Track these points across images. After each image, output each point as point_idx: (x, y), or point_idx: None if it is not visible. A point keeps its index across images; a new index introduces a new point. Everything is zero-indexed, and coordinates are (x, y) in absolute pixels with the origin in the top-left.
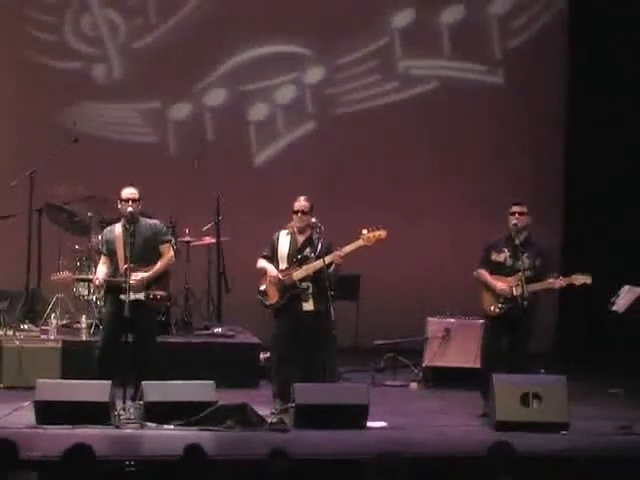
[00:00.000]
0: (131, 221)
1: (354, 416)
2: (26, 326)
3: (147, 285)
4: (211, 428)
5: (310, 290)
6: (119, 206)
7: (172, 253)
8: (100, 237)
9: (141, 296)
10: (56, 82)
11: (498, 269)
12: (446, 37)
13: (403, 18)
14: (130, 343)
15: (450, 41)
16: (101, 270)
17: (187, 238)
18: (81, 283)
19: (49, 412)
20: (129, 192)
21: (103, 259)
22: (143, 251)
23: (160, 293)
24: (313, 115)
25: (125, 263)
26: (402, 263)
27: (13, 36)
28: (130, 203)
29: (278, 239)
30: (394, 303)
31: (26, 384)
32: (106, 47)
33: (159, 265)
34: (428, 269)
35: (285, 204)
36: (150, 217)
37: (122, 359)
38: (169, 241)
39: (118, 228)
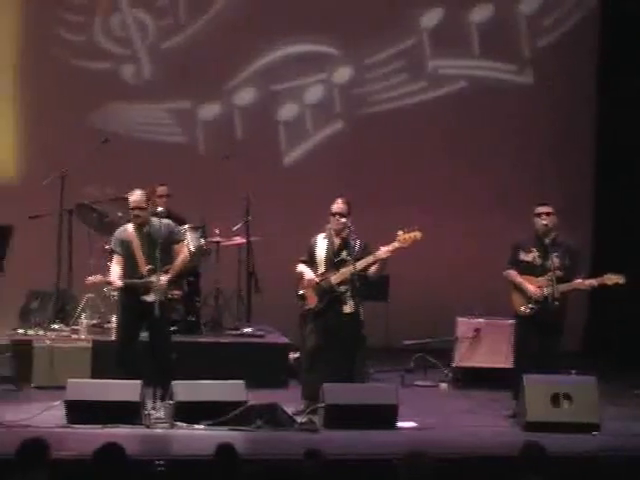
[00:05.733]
0: (141, 224)
1: (384, 416)
2: (57, 326)
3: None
4: (241, 428)
5: (348, 293)
6: (130, 211)
7: (187, 252)
8: (113, 237)
9: (162, 297)
10: (86, 82)
11: (527, 269)
12: (475, 36)
13: (432, 17)
14: (148, 343)
15: (479, 40)
16: (115, 270)
17: (217, 238)
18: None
19: (80, 412)
20: (134, 200)
21: (117, 259)
22: (160, 251)
23: (176, 292)
24: (342, 115)
25: (145, 264)
26: (431, 263)
27: (43, 37)
28: (138, 210)
29: (315, 243)
30: (423, 303)
31: (57, 384)
32: (135, 47)
33: (177, 265)
34: (457, 269)
35: (314, 203)
36: (171, 217)
37: (142, 359)
38: (183, 240)
39: (130, 228)
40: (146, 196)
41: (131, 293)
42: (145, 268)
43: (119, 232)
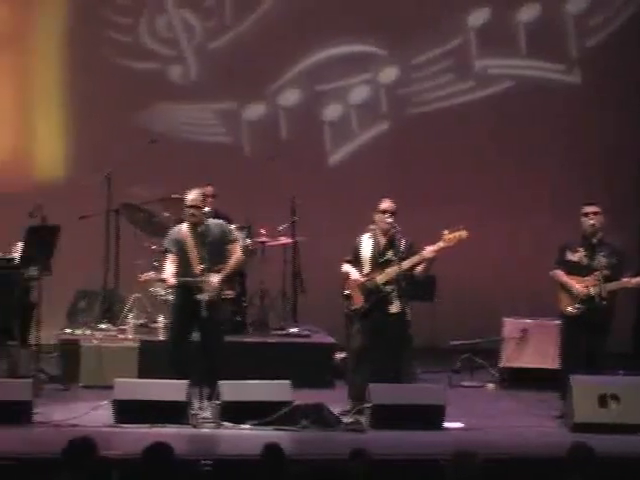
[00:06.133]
0: (196, 224)
1: (430, 417)
2: (104, 326)
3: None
4: (287, 428)
5: (394, 293)
6: (184, 210)
7: (240, 252)
8: (167, 236)
9: (214, 297)
10: (132, 83)
11: (574, 269)
12: (522, 36)
13: (479, 17)
14: (200, 343)
15: (526, 40)
16: (169, 269)
17: (262, 238)
18: (158, 283)
19: (127, 411)
20: (192, 198)
21: (171, 258)
22: (213, 251)
23: (229, 292)
24: (387, 115)
25: (199, 263)
26: (478, 263)
27: (91, 37)
28: (194, 209)
29: (360, 243)
30: (470, 303)
31: (104, 383)
32: (182, 48)
33: (230, 265)
34: (504, 269)
35: (359, 203)
36: (226, 217)
37: (193, 359)
38: (236, 240)
39: (185, 228)
40: (202, 196)
41: (184, 292)
42: (198, 267)
43: (174, 231)
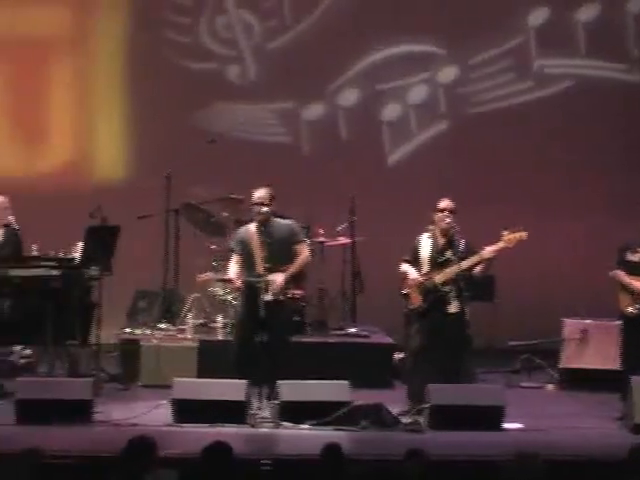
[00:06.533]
0: (264, 222)
1: (490, 417)
2: (164, 325)
3: (285, 285)
4: (346, 428)
5: (453, 293)
6: (251, 208)
7: (307, 252)
8: (234, 236)
9: (280, 296)
10: (191, 83)
11: (635, 269)
12: (582, 35)
13: (538, 16)
14: (265, 343)
15: (586, 39)
16: (233, 269)
17: (321, 238)
18: (217, 283)
19: (186, 410)
20: (258, 196)
21: (235, 258)
22: (279, 251)
23: (297, 292)
24: (446, 115)
25: (263, 263)
26: (538, 263)
27: (151, 38)
28: (260, 206)
29: (419, 243)
30: (529, 304)
31: (163, 382)
32: (241, 48)
33: (296, 265)
34: (564, 269)
35: (418, 203)
36: (283, 217)
37: (258, 359)
38: (304, 241)
39: (252, 228)
40: (270, 194)
41: (249, 292)
42: (262, 267)
43: (240, 231)
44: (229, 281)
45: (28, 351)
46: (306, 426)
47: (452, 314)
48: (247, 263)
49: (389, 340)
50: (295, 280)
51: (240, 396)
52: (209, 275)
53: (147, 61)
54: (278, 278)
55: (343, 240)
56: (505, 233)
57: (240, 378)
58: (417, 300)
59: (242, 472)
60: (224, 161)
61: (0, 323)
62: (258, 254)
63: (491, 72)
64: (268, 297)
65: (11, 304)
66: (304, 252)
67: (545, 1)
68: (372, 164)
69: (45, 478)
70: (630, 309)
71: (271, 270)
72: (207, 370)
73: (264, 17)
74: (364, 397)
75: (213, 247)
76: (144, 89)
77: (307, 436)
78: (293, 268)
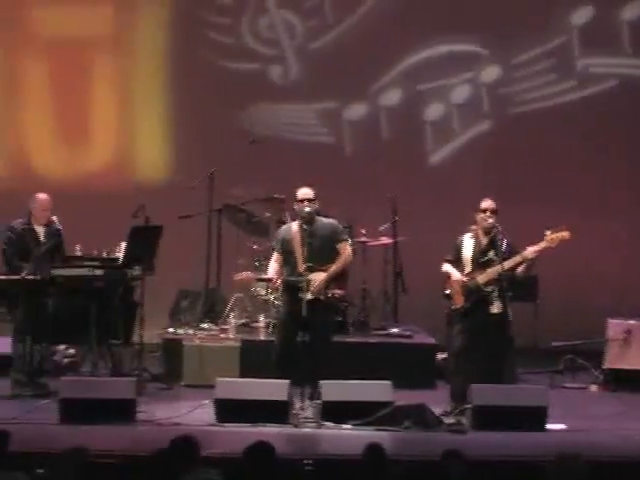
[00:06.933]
0: (308, 221)
1: (533, 418)
2: (206, 325)
3: (326, 284)
4: (388, 428)
5: (495, 293)
6: (295, 206)
7: (350, 252)
8: (276, 235)
9: (320, 295)
10: (234, 83)
11: None
12: (626, 34)
13: (581, 16)
14: (307, 342)
15: (630, 38)
16: (272, 267)
17: (363, 238)
18: (259, 283)
19: (228, 410)
20: (304, 192)
21: (276, 256)
22: (321, 250)
23: (338, 292)
24: (489, 114)
25: (303, 262)
26: (581, 263)
27: (193, 39)
28: (305, 203)
29: (462, 243)
30: (573, 304)
31: (206, 382)
32: (283, 48)
33: (337, 264)
34: (607, 269)
35: (460, 203)
36: (327, 217)
37: (299, 359)
38: (346, 240)
39: (295, 227)
40: (314, 193)
41: (290, 291)
42: (303, 266)
43: (282, 230)
44: (268, 280)
45: (72, 350)
46: (348, 426)
47: (495, 314)
48: (288, 262)
49: (432, 340)
50: (336, 280)
51: (282, 396)
52: (247, 274)
53: (189, 61)
54: (319, 278)
55: (385, 240)
56: (548, 233)
57: (280, 377)
58: (460, 300)
59: (284, 472)
60: (266, 161)
61: (44, 323)
62: (299, 253)
63: (534, 72)
64: (308, 296)
65: (55, 304)
66: (346, 252)
67: (589, 0)
68: (414, 164)
69: (89, 477)
70: None
71: (312, 269)
72: (249, 370)
73: (306, 17)
74: (406, 397)
75: (255, 247)
76: (186, 89)
77: (349, 436)
78: (334, 268)
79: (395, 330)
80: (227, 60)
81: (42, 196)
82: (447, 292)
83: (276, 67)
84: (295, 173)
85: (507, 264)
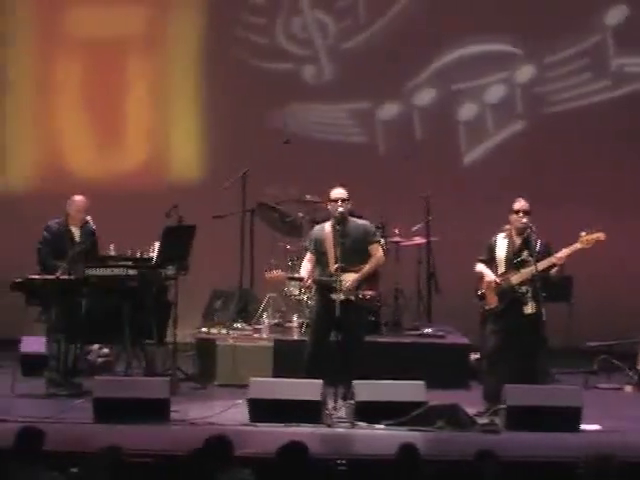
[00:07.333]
0: (341, 221)
1: (567, 418)
2: (239, 325)
3: (357, 285)
4: (422, 428)
5: (529, 294)
6: (328, 206)
7: (382, 253)
8: (309, 235)
9: (351, 296)
10: (267, 83)
11: None
12: None
13: (616, 15)
14: (339, 342)
15: None
16: (305, 267)
17: (396, 238)
18: (292, 282)
19: (262, 410)
20: (338, 192)
21: (309, 256)
22: (353, 251)
23: (370, 293)
24: (523, 114)
25: (335, 263)
26: (614, 263)
27: (226, 38)
28: (339, 203)
29: (495, 243)
30: (607, 304)
31: (239, 382)
32: (316, 48)
33: (369, 265)
34: None
35: (494, 203)
36: (360, 217)
37: (332, 358)
38: (378, 241)
39: (328, 227)
40: (347, 193)
41: (322, 292)
42: (335, 266)
43: (315, 230)
44: (299, 279)
45: (106, 350)
46: (381, 426)
47: (528, 315)
48: (320, 262)
49: (465, 340)
50: (368, 281)
51: (316, 396)
52: (278, 272)
53: (223, 61)
54: (350, 278)
55: (418, 240)
56: (583, 234)
57: (313, 377)
58: (493, 301)
59: (317, 472)
60: (299, 161)
61: (78, 322)
62: (332, 253)
63: (568, 71)
64: (338, 297)
65: (88, 304)
66: (378, 253)
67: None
68: (447, 164)
69: (123, 476)
70: None
71: (344, 270)
72: (282, 370)
73: (339, 17)
74: (440, 397)
75: (288, 247)
76: (220, 89)
77: (382, 436)
78: (366, 269)
79: (428, 330)
80: (261, 60)
81: (79, 198)
82: (481, 292)
83: (309, 67)
84: (328, 173)
85: (541, 265)
